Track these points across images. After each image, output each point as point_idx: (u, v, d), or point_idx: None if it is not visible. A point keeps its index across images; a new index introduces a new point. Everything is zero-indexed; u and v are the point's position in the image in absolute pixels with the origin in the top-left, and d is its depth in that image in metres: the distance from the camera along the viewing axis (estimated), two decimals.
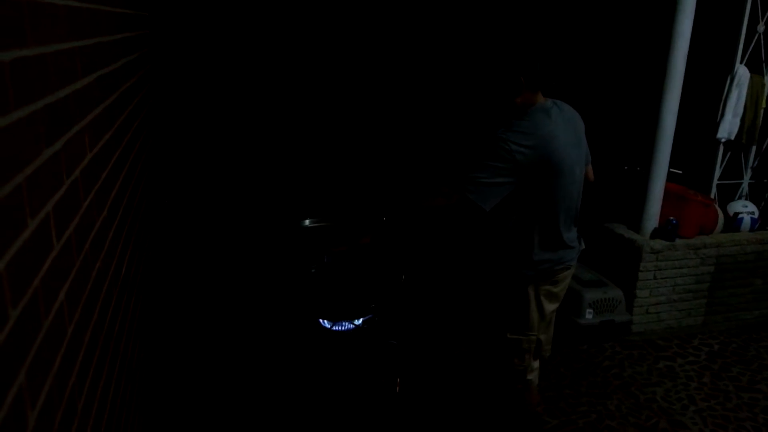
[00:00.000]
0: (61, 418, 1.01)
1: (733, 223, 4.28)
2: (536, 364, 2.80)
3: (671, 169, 4.05)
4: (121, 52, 2.03)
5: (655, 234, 4.07)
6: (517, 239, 2.59)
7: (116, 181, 1.78)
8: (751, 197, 4.53)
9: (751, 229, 4.30)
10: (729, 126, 4.17)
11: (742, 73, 4.08)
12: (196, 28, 4.89)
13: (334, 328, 2.68)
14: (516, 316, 2.67)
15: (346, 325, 2.68)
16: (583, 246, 2.75)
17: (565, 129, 2.48)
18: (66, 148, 1.15)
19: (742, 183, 4.51)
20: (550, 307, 2.67)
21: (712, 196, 4.36)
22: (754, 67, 4.16)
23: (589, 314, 3.96)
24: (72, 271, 1.15)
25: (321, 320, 2.70)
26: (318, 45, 5.29)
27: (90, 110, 1.42)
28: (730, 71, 4.11)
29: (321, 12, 5.22)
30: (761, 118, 4.25)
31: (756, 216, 4.32)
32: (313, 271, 2.92)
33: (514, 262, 2.62)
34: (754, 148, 4.43)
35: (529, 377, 2.78)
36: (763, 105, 4.23)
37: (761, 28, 4.11)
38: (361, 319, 2.70)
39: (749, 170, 4.49)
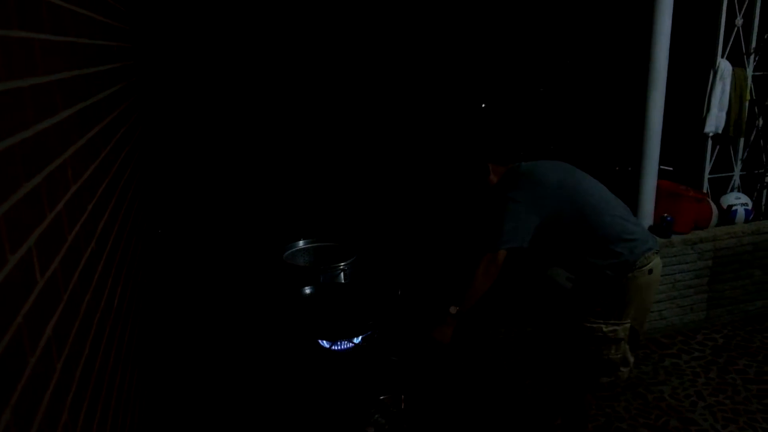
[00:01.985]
0: None
1: (728, 215, 4.28)
2: (632, 357, 2.68)
3: (662, 167, 4.05)
4: (103, 84, 2.03)
5: (651, 232, 4.06)
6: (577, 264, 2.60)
7: (104, 212, 1.76)
8: (743, 189, 4.54)
9: (746, 221, 4.31)
10: (716, 120, 4.19)
11: (725, 66, 4.11)
12: (185, 51, 4.91)
13: (333, 347, 2.65)
14: (605, 305, 2.55)
15: (345, 344, 2.65)
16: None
17: (538, 163, 2.70)
18: (47, 182, 1.13)
19: (733, 175, 4.52)
20: (645, 295, 2.58)
21: (705, 190, 4.36)
22: (735, 61, 4.19)
23: None
24: (59, 305, 1.13)
25: (320, 341, 2.67)
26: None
27: (71, 143, 1.41)
28: (712, 66, 4.13)
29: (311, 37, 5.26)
30: (747, 111, 4.28)
31: (750, 207, 4.32)
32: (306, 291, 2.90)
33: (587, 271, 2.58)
34: (742, 140, 4.45)
35: (623, 369, 2.64)
36: (748, 97, 4.26)
37: (739, 21, 4.15)
38: (360, 337, 2.67)
39: (739, 162, 4.50)
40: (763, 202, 4.64)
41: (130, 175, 2.58)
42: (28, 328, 0.93)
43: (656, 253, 2.56)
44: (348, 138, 5.53)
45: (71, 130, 1.43)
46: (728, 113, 4.20)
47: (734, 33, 4.16)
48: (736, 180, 4.53)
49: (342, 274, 3.40)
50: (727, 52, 4.15)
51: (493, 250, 2.50)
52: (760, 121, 4.49)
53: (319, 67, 5.45)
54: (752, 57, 4.28)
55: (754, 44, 4.26)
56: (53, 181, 1.19)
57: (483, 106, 6.10)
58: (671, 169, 4.42)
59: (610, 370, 2.61)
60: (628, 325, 2.58)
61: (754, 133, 4.50)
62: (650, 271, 2.53)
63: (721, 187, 4.51)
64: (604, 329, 2.54)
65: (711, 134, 4.24)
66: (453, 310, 2.57)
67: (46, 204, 1.12)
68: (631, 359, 2.66)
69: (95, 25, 1.97)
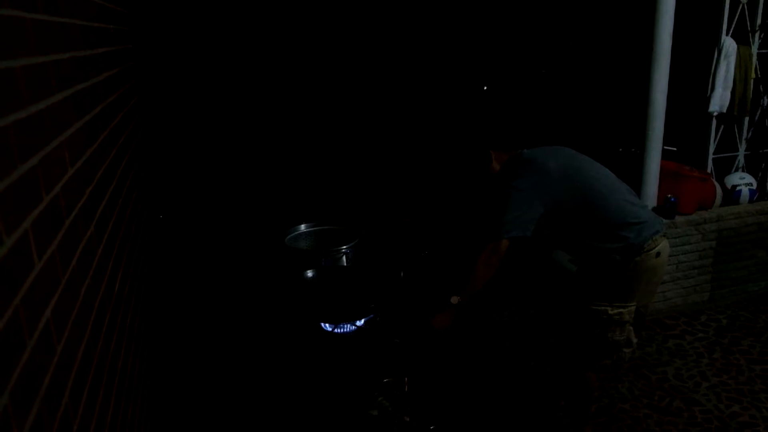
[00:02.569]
0: None
1: (732, 195, 4.25)
2: (635, 339, 2.67)
3: (666, 147, 4.02)
4: (101, 66, 2.00)
5: (654, 213, 4.04)
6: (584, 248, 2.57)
7: (103, 196, 1.75)
8: (748, 169, 4.51)
9: (750, 201, 4.28)
10: (720, 99, 4.15)
11: (729, 44, 4.06)
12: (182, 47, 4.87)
13: (336, 331, 2.65)
14: (611, 288, 2.54)
15: (348, 327, 2.65)
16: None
17: (541, 150, 2.66)
18: (43, 164, 1.12)
19: (737, 155, 4.49)
20: (652, 278, 2.57)
21: (709, 170, 4.33)
22: (740, 38, 4.14)
23: None
24: (58, 288, 1.12)
25: (322, 324, 2.67)
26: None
27: (68, 126, 1.40)
28: (717, 44, 4.08)
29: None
30: (752, 89, 4.23)
31: (754, 187, 4.29)
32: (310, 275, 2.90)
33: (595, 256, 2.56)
34: (746, 119, 4.41)
35: (626, 350, 2.64)
36: (753, 75, 4.21)
37: None
38: (362, 320, 2.67)
39: (744, 142, 4.47)
40: None
41: (130, 159, 2.57)
42: (25, 310, 0.92)
43: (663, 236, 2.55)
44: (350, 121, 5.50)
45: (68, 112, 1.41)
46: (733, 92, 4.16)
47: (739, 10, 4.11)
48: (741, 160, 4.49)
49: (344, 257, 3.39)
50: (731, 30, 4.10)
51: (496, 239, 2.48)
52: (765, 100, 4.45)
53: (322, 49, 5.41)
54: (757, 34, 4.23)
55: (759, 21, 4.20)
56: (50, 163, 1.17)
57: (485, 88, 6.06)
58: (675, 149, 4.39)
59: (613, 350, 2.61)
60: (633, 308, 2.57)
61: (759, 112, 4.46)
62: (657, 255, 2.51)
63: (725, 167, 4.48)
64: (610, 312, 2.53)
65: (715, 114, 4.20)
66: (454, 300, 2.55)
67: (43, 186, 1.11)
68: (635, 340, 2.66)
69: (91, 7, 1.95)
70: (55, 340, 1.06)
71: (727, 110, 4.19)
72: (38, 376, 0.96)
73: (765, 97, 4.44)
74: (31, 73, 1.12)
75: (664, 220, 3.95)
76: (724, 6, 4.04)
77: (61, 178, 1.26)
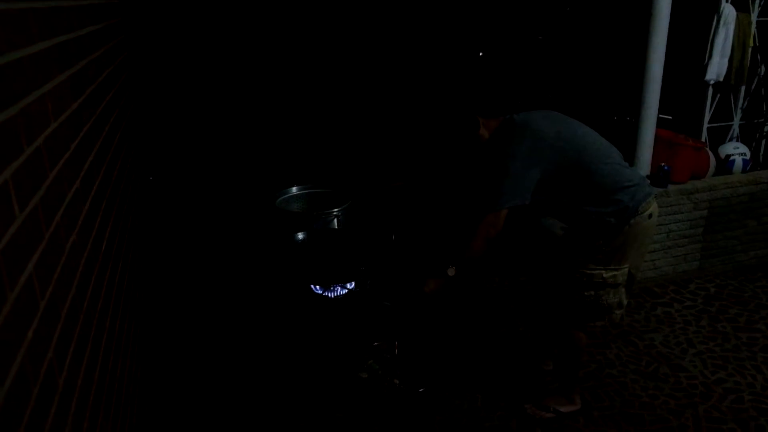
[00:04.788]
0: (37, 395, 0.97)
1: (725, 165, 4.25)
2: (626, 300, 2.70)
3: (661, 115, 3.99)
4: (85, 19, 1.95)
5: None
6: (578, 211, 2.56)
7: (89, 152, 1.72)
8: (742, 138, 4.50)
9: (743, 171, 4.27)
10: (717, 67, 4.11)
11: (729, 11, 4.00)
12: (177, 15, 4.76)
13: (326, 293, 2.64)
14: (606, 251, 2.54)
15: (339, 290, 2.65)
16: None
17: (532, 114, 2.62)
18: (23, 115, 1.08)
19: (732, 125, 4.47)
20: (643, 240, 2.60)
21: (703, 139, 4.32)
22: (740, 6, 4.08)
23: None
24: (41, 243, 1.10)
25: (313, 286, 2.67)
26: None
27: (51, 77, 1.35)
28: (716, 10, 4.02)
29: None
30: (749, 58, 4.19)
31: (747, 157, 4.28)
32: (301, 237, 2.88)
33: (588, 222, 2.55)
34: (743, 88, 4.38)
35: (617, 311, 2.67)
36: (751, 44, 4.16)
37: None
38: (353, 283, 2.67)
39: (739, 111, 4.44)
40: (762, 153, 4.60)
41: (118, 116, 2.52)
42: (5, 264, 0.89)
43: (654, 197, 2.55)
44: (343, 83, 5.43)
45: (50, 63, 1.37)
46: (730, 60, 4.11)
47: None
48: (735, 129, 4.48)
49: (335, 220, 3.38)
50: None
51: (495, 209, 2.46)
52: (762, 69, 4.41)
53: (312, 13, 5.30)
54: (757, 2, 4.16)
55: None
56: (30, 114, 1.14)
57: (480, 54, 5.98)
58: (670, 117, 4.36)
59: (605, 312, 2.64)
60: (626, 270, 2.59)
61: (756, 81, 4.43)
62: (650, 216, 2.53)
63: (720, 137, 4.46)
64: (605, 275, 2.55)
65: (712, 82, 4.16)
66: (451, 272, 2.52)
67: (24, 137, 1.07)
68: (625, 302, 2.69)
69: None
70: (38, 296, 1.05)
71: (723, 79, 4.16)
72: (21, 330, 0.94)
73: (762, 66, 4.40)
74: (7, 19, 1.08)
75: (657, 189, 3.95)
76: None
77: (44, 130, 1.23)
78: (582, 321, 2.71)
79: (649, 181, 2.70)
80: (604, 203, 2.48)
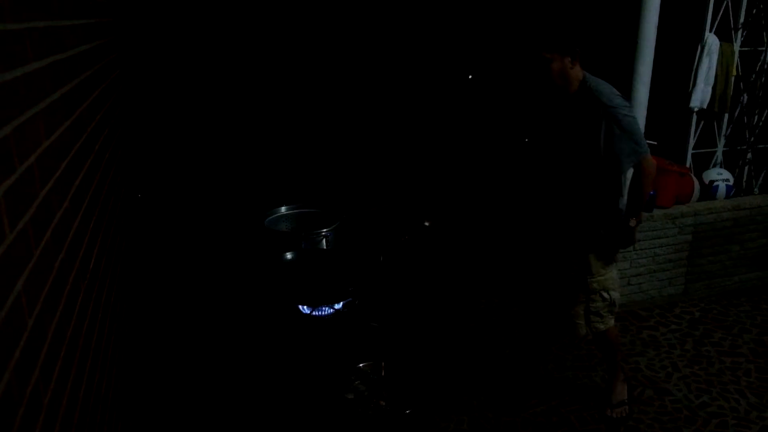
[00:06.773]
0: (22, 417, 0.97)
1: (709, 191, 4.31)
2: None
3: (647, 141, 4.04)
4: (80, 40, 1.96)
5: None
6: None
7: (79, 171, 1.72)
8: (726, 165, 4.57)
9: (727, 196, 4.34)
10: (701, 95, 4.19)
11: (712, 41, 4.10)
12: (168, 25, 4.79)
13: (314, 313, 2.64)
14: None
15: (326, 310, 2.65)
16: None
17: None
18: (16, 134, 1.10)
19: (716, 151, 4.54)
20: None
21: (688, 165, 4.38)
22: (723, 36, 4.18)
23: None
24: (30, 261, 1.10)
25: (300, 306, 2.67)
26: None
27: (44, 97, 1.37)
28: (700, 40, 4.12)
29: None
30: (732, 86, 4.28)
31: (731, 183, 4.35)
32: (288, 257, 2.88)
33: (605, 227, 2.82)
34: (726, 116, 4.46)
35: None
36: (734, 73, 4.25)
37: None
38: (341, 303, 2.67)
39: (722, 138, 4.52)
40: (744, 179, 4.67)
41: (108, 135, 2.53)
42: None
43: None
44: (333, 104, 5.47)
45: (43, 83, 1.38)
46: (714, 88, 4.20)
47: (723, 7, 4.14)
48: (719, 156, 4.55)
49: (324, 240, 3.38)
50: (715, 27, 4.14)
51: (645, 154, 2.69)
52: (745, 97, 4.50)
53: (302, 33, 5.35)
54: (740, 32, 4.27)
55: (742, 19, 4.24)
56: (23, 134, 1.15)
57: (469, 76, 6.06)
58: (655, 143, 4.42)
59: (613, 307, 2.95)
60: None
61: (738, 108, 4.52)
62: None
63: (704, 163, 4.53)
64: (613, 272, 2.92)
65: (696, 109, 4.24)
66: (633, 222, 2.76)
67: (16, 157, 1.08)
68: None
69: None
70: (26, 313, 1.05)
71: (707, 106, 4.24)
72: (9, 348, 0.94)
73: (745, 94, 4.49)
74: (4, 40, 1.09)
75: (643, 213, 4.00)
76: (709, 3, 4.07)
77: (36, 150, 1.24)
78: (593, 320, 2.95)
79: None
80: (618, 199, 2.81)
